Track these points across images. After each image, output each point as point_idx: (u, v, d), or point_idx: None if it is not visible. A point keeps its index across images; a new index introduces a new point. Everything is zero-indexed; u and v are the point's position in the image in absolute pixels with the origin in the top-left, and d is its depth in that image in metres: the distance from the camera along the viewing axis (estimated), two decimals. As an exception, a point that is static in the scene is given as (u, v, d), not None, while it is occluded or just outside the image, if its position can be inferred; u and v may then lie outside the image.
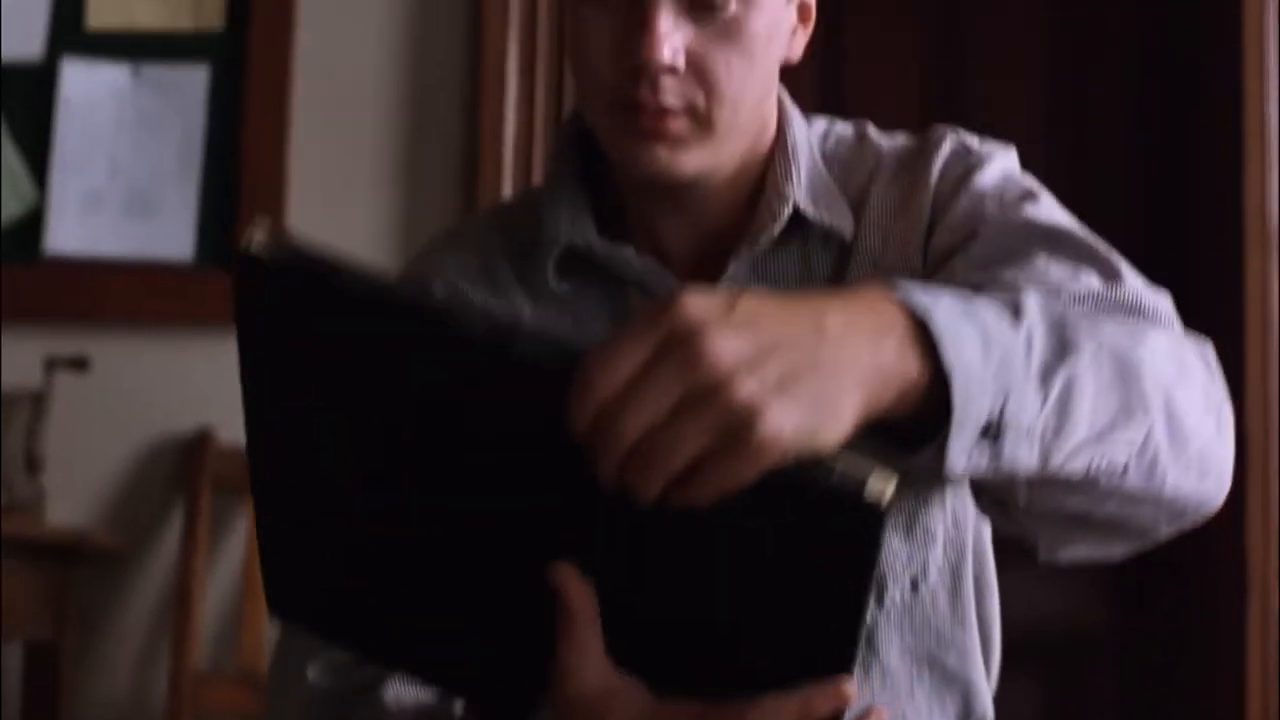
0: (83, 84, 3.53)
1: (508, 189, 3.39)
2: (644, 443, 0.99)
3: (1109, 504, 1.27)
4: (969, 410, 1.10)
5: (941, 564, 1.55)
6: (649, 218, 1.56)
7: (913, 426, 1.10)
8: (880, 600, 1.52)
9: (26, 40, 3.55)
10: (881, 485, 0.99)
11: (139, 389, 3.44)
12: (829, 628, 1.07)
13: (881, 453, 1.02)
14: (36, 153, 3.52)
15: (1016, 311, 1.17)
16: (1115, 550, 1.38)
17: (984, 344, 1.11)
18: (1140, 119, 3.68)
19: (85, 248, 3.49)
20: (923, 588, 1.54)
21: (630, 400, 0.99)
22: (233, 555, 3.40)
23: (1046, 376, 1.15)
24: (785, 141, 1.56)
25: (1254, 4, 3.45)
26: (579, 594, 1.11)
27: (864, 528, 1.00)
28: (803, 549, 1.03)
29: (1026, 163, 1.59)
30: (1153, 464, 1.24)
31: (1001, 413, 1.12)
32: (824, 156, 1.60)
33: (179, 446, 3.42)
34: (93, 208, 3.49)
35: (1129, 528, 1.33)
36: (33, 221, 3.51)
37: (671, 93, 1.43)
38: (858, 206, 1.57)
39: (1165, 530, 1.35)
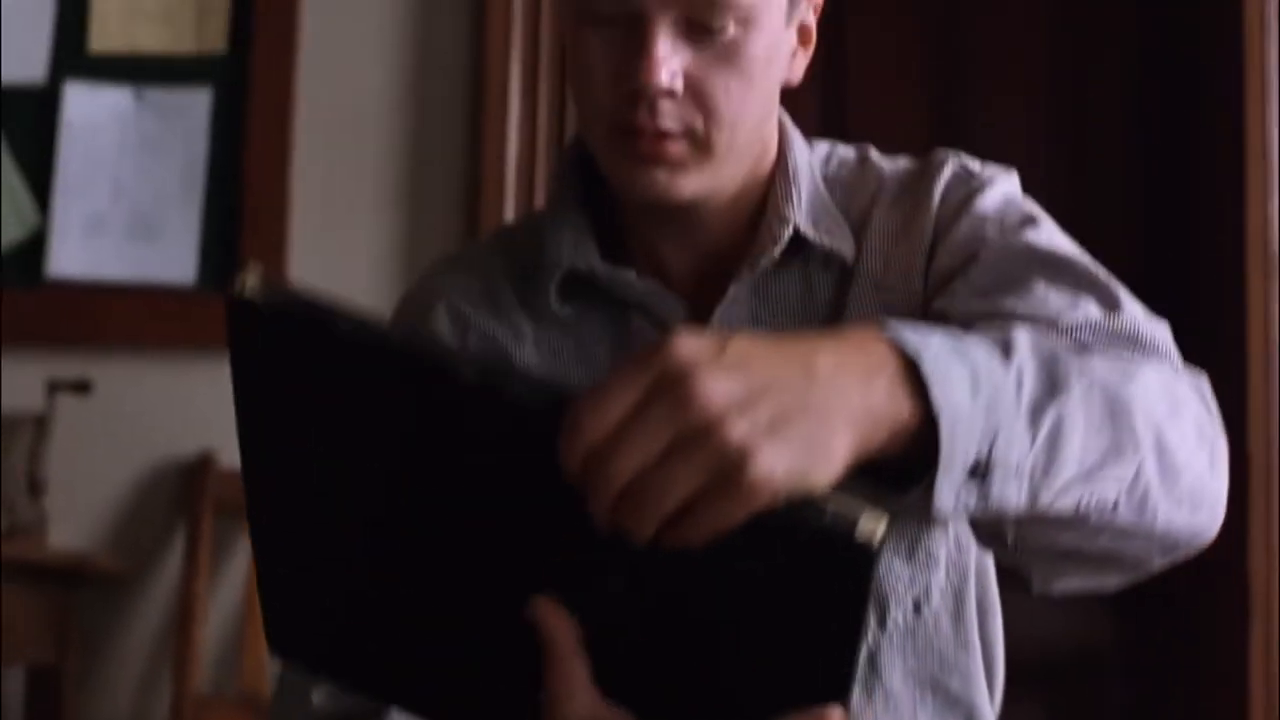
0: (85, 107, 3.53)
1: (510, 212, 3.40)
2: (636, 484, 1.00)
3: (1101, 539, 1.27)
4: (956, 451, 1.10)
5: (944, 586, 1.55)
6: (650, 240, 1.56)
7: (903, 465, 1.11)
8: (882, 622, 1.52)
9: (29, 63, 3.55)
10: (872, 526, 0.99)
11: (141, 412, 3.44)
12: (820, 665, 1.07)
13: (872, 492, 1.03)
14: (39, 176, 3.52)
15: (1007, 349, 1.17)
16: (1109, 582, 1.38)
17: (973, 383, 1.11)
18: (1140, 118, 3.68)
19: (88, 271, 3.50)
20: (925, 610, 1.53)
21: (622, 442, 0.99)
22: (234, 579, 3.39)
23: (1036, 415, 1.15)
24: (786, 164, 1.57)
25: (1254, 4, 3.45)
26: (558, 625, 1.11)
27: (855, 568, 1.01)
28: (794, 588, 1.03)
29: (1027, 168, 1.59)
30: (1144, 499, 1.25)
31: (990, 452, 1.12)
32: (826, 179, 1.60)
33: (181, 469, 3.42)
34: (95, 231, 3.50)
35: (1122, 561, 1.33)
36: (35, 244, 3.51)
37: (670, 116, 1.44)
38: (859, 229, 1.57)
39: (1159, 563, 1.35)
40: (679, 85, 1.43)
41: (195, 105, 3.52)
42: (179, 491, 3.42)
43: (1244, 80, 3.43)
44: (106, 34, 3.56)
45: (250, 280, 1.07)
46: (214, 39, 3.54)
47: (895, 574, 1.52)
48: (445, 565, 1.15)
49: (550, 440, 1.01)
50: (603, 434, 1.00)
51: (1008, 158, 1.67)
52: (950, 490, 1.12)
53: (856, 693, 1.51)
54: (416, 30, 3.52)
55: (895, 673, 1.53)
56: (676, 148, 1.45)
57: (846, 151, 1.65)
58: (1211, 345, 3.40)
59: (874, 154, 1.64)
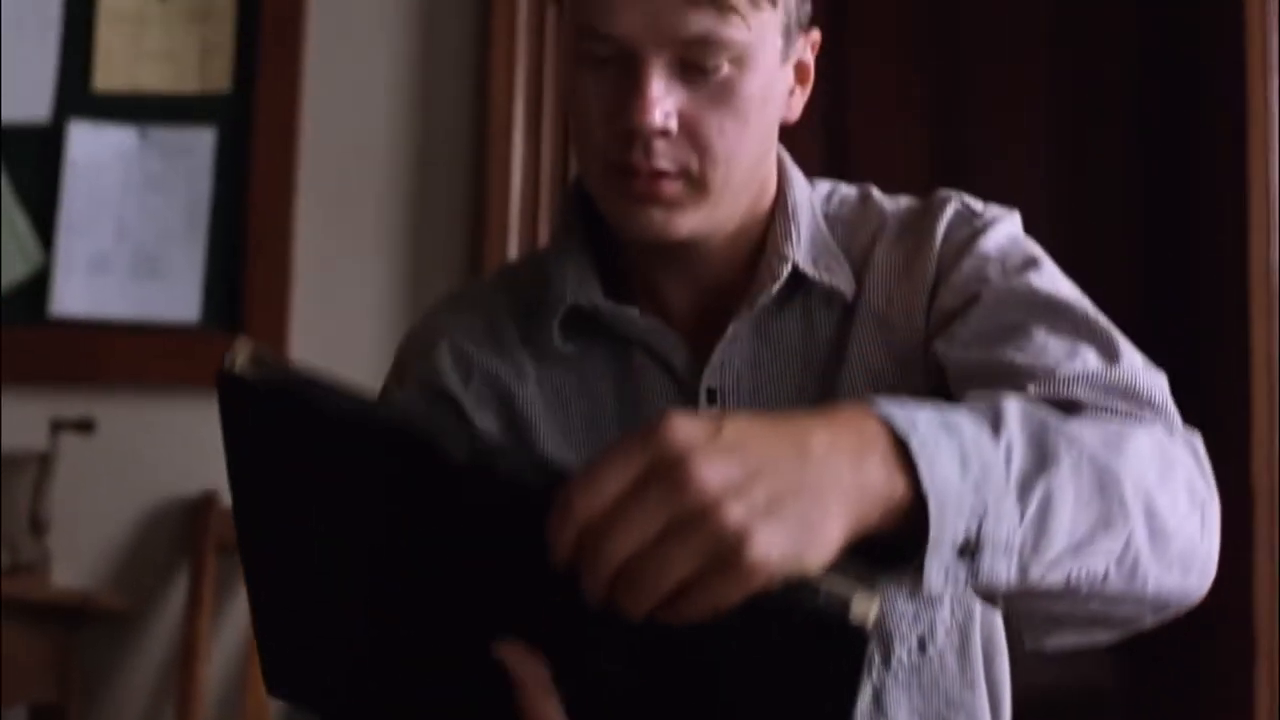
0: (90, 146, 3.54)
1: (514, 251, 3.40)
2: (632, 565, 1.00)
3: (1091, 605, 1.28)
4: (945, 531, 1.11)
5: (949, 625, 1.55)
6: (651, 278, 1.57)
7: (895, 541, 1.11)
8: (887, 660, 1.52)
9: (34, 102, 3.56)
10: (865, 608, 0.99)
11: (144, 451, 3.44)
12: None
13: (863, 571, 1.03)
14: (43, 214, 3.53)
15: (996, 424, 1.17)
16: (1101, 639, 1.38)
17: (962, 460, 1.12)
18: (1141, 117, 3.68)
19: (91, 309, 3.50)
20: (930, 648, 1.53)
21: (618, 523, 1.00)
22: (237, 617, 3.39)
23: (1025, 490, 1.16)
24: (786, 202, 1.57)
25: (1256, 7, 3.46)
26: (526, 664, 1.12)
27: (848, 650, 1.01)
28: (786, 667, 1.04)
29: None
30: (1134, 567, 1.25)
31: (979, 529, 1.13)
32: (827, 217, 1.61)
33: (184, 508, 3.42)
34: (99, 269, 3.50)
35: (1112, 622, 1.33)
36: (39, 283, 3.51)
37: (664, 156, 1.45)
38: (861, 266, 1.58)
39: (1150, 621, 1.35)
40: (673, 125, 1.44)
41: (199, 144, 3.53)
42: (182, 530, 3.42)
43: (1246, 82, 3.42)
44: (111, 73, 3.57)
45: (241, 357, 1.08)
46: (218, 78, 3.55)
47: (899, 611, 1.52)
48: (436, 628, 1.16)
49: (542, 519, 1.02)
50: (595, 513, 1.00)
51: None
52: (939, 570, 1.12)
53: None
54: (420, 69, 3.53)
55: (901, 711, 1.52)
56: (672, 187, 1.46)
57: (848, 190, 1.65)
58: (1215, 359, 3.41)
59: (876, 192, 1.65)
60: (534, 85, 3.49)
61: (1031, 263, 1.54)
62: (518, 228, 3.43)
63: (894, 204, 1.63)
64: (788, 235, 1.55)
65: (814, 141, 3.56)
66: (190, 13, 3.57)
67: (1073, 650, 1.37)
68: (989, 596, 1.31)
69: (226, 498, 3.31)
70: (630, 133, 1.44)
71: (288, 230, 3.48)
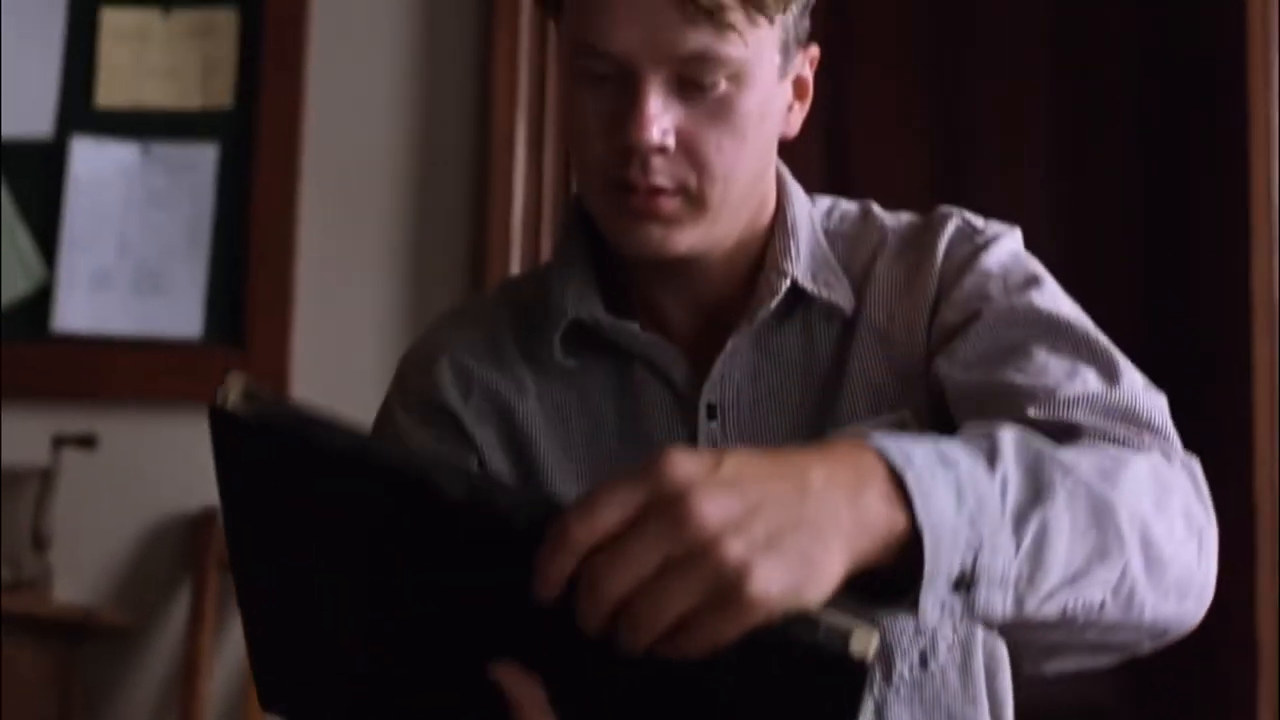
0: (92, 162, 3.54)
1: (516, 267, 3.40)
2: (632, 600, 1.00)
3: (1089, 633, 1.28)
4: (940, 566, 1.11)
5: (951, 640, 1.55)
6: (651, 293, 1.57)
7: (892, 574, 1.11)
8: (888, 676, 1.52)
9: (36, 118, 3.57)
10: (865, 642, 1.00)
11: (146, 467, 3.44)
12: None
13: (859, 605, 1.04)
14: (46, 230, 3.53)
15: (992, 456, 1.17)
16: (1100, 663, 1.38)
17: (958, 494, 1.12)
18: (1141, 117, 3.68)
19: (93, 325, 3.50)
20: (932, 664, 1.53)
21: (616, 557, 1.00)
22: (239, 633, 3.36)
23: (1020, 522, 1.16)
24: (785, 217, 1.58)
25: (1257, 7, 3.46)
26: (522, 685, 1.12)
27: (848, 684, 1.01)
28: (785, 701, 1.04)
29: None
30: (1130, 596, 1.25)
31: (974, 563, 1.13)
32: (827, 233, 1.61)
33: (186, 524, 3.42)
34: (101, 285, 3.50)
35: (1111, 648, 1.33)
36: (41, 299, 3.51)
37: (662, 173, 1.45)
38: (862, 282, 1.58)
39: (1148, 648, 1.35)
40: (670, 142, 1.44)
41: (202, 160, 3.53)
42: (184, 546, 3.42)
43: (1247, 83, 3.42)
44: (113, 89, 3.57)
45: (233, 392, 1.08)
46: (220, 95, 3.55)
47: (900, 627, 1.52)
48: (433, 659, 1.16)
49: (538, 553, 1.02)
50: (591, 543, 1.01)
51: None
52: (935, 603, 1.12)
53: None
54: (423, 86, 3.53)
55: (902, 727, 1.52)
56: (670, 203, 1.46)
57: (849, 206, 1.66)
58: (1217, 376, 3.40)
59: (876, 208, 1.65)
60: (536, 101, 3.49)
61: (1033, 280, 1.55)
62: (520, 245, 3.43)
63: (895, 220, 1.63)
64: (786, 251, 1.56)
65: (815, 157, 3.56)
66: (193, 29, 3.58)
67: (1072, 673, 1.37)
68: (986, 626, 1.31)
69: (228, 513, 3.32)
70: (628, 149, 1.44)
71: (290, 246, 3.48)
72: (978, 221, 1.61)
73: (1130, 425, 1.37)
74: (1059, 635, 1.27)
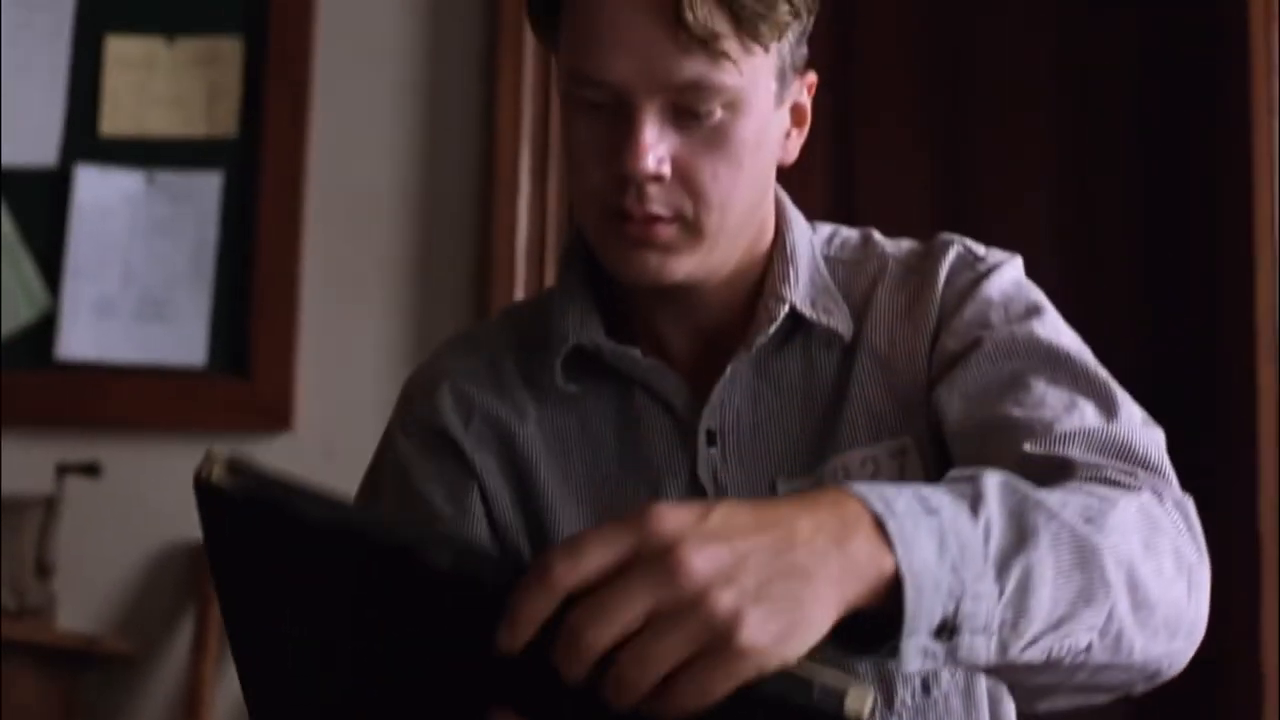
0: (97, 190, 3.55)
1: (520, 293, 3.40)
2: (619, 655, 1.00)
3: (1078, 675, 1.28)
4: (921, 613, 1.10)
5: (954, 667, 1.54)
6: (651, 320, 1.58)
7: (876, 619, 1.11)
8: (890, 703, 1.52)
9: (41, 146, 3.57)
10: (859, 703, 0.99)
11: (150, 494, 3.44)
12: None
13: (842, 653, 1.05)
14: (49, 258, 3.54)
15: (976, 502, 1.17)
16: (1094, 702, 1.38)
17: (940, 541, 1.12)
18: (1142, 117, 3.67)
19: (97, 353, 3.50)
20: (935, 690, 1.53)
21: (602, 608, 1.00)
22: (243, 661, 3.38)
23: (1004, 568, 1.15)
24: (784, 243, 1.58)
25: (1258, 8, 3.46)
26: None
27: None
28: None
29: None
30: (1118, 638, 1.25)
31: (956, 610, 1.12)
32: (828, 259, 1.61)
33: (190, 552, 3.41)
34: (105, 313, 3.51)
35: (1101, 688, 1.33)
36: (45, 326, 3.52)
37: (658, 201, 1.45)
38: (862, 308, 1.58)
39: (1141, 689, 1.35)
40: (666, 170, 1.44)
41: (206, 189, 3.54)
42: (187, 574, 3.42)
43: (1248, 85, 3.43)
44: (118, 117, 3.58)
45: (217, 466, 1.09)
46: (225, 123, 3.56)
47: (902, 653, 1.51)
48: (419, 710, 1.16)
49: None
50: (571, 586, 1.00)
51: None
52: (916, 650, 1.12)
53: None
54: (428, 112, 3.54)
55: (905, 755, 1.52)
56: (666, 231, 1.47)
57: (850, 233, 1.66)
58: (1222, 401, 3.40)
59: (877, 235, 1.66)
60: (540, 130, 3.49)
61: (1034, 310, 1.55)
62: (524, 272, 3.43)
63: (895, 246, 1.64)
64: (785, 277, 1.56)
65: (819, 176, 3.56)
66: (197, 58, 3.58)
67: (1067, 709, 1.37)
68: (971, 669, 1.31)
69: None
70: (624, 178, 1.44)
71: (294, 274, 3.48)
72: (979, 249, 1.62)
73: (1125, 461, 1.38)
74: (1048, 677, 1.27)
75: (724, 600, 1.00)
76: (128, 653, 3.37)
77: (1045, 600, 1.17)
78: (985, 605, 1.13)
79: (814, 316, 1.56)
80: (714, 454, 1.56)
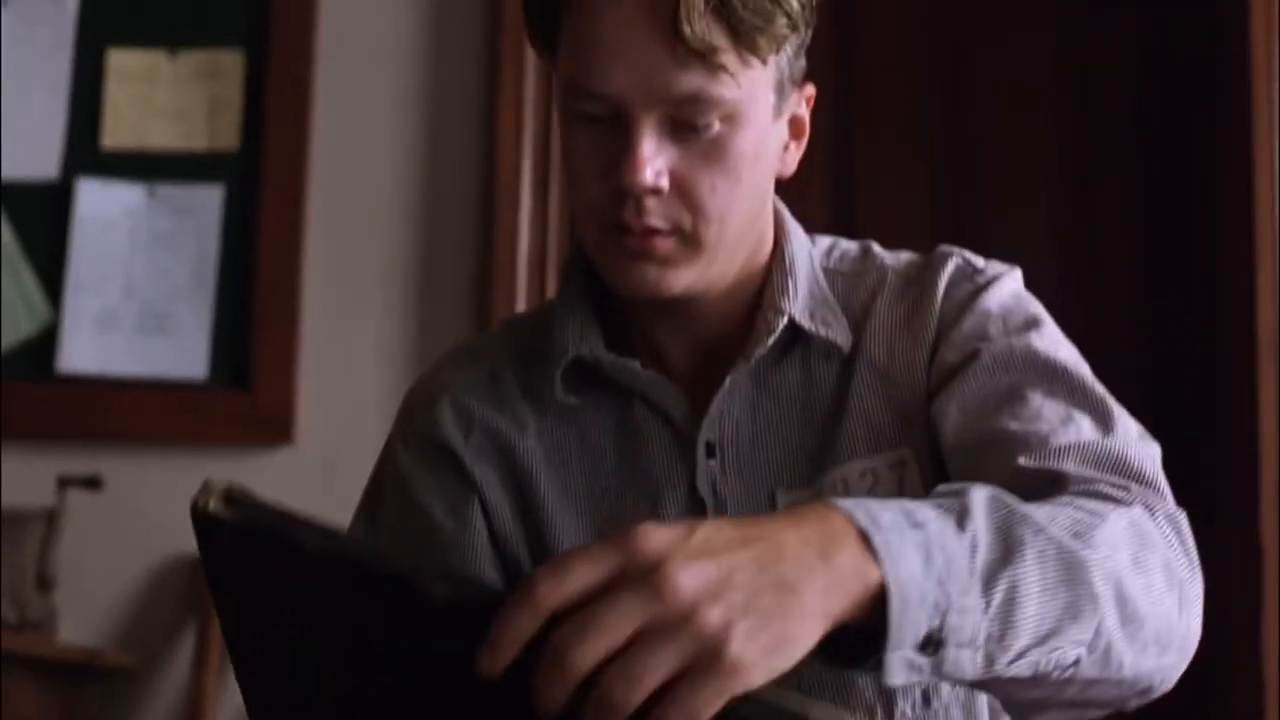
0: (98, 203, 3.55)
1: (522, 305, 3.40)
2: (606, 672, 0.99)
3: (1068, 691, 1.27)
4: (906, 628, 1.10)
5: (939, 681, 1.54)
6: (650, 332, 1.58)
7: (862, 632, 1.11)
8: (890, 714, 1.52)
9: (42, 160, 3.58)
10: None
11: (151, 507, 3.44)
12: None
13: (827, 667, 1.05)
14: (51, 271, 3.54)
15: (962, 516, 1.17)
16: (1088, 716, 1.38)
17: (926, 554, 1.11)
18: (1142, 117, 3.67)
19: (98, 367, 3.50)
20: (935, 702, 1.53)
21: (587, 627, 0.99)
22: (244, 674, 3.38)
23: (989, 582, 1.15)
24: (783, 255, 1.58)
25: (1259, 8, 3.46)
26: None
27: None
28: None
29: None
30: (1106, 653, 1.24)
31: (942, 624, 1.12)
32: (827, 271, 1.62)
33: (191, 565, 3.41)
34: (106, 326, 3.51)
35: (1093, 703, 1.33)
36: (46, 340, 3.52)
37: (656, 214, 1.45)
38: (862, 320, 1.59)
39: (1134, 704, 1.35)
40: (664, 183, 1.44)
41: (207, 202, 3.54)
42: (189, 587, 3.42)
43: (1249, 85, 3.43)
44: (119, 131, 3.59)
45: (214, 497, 1.09)
46: (226, 136, 3.56)
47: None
48: None
49: (525, 656, 1.01)
50: (556, 606, 1.00)
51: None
52: (901, 664, 1.11)
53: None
54: (428, 125, 3.54)
55: (905, 768, 1.52)
56: (665, 244, 1.47)
57: (849, 245, 1.66)
58: (1224, 411, 3.39)
59: (876, 247, 1.66)
60: (541, 142, 3.50)
61: (1033, 323, 1.55)
62: (525, 284, 3.43)
63: (895, 258, 1.64)
64: (784, 289, 1.56)
65: (820, 187, 3.56)
66: (199, 70, 3.59)
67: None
68: (958, 683, 1.30)
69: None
70: (622, 191, 1.44)
71: (295, 287, 3.48)
72: (978, 261, 1.62)
73: (1119, 475, 1.38)
74: (1037, 692, 1.26)
75: (712, 615, 1.00)
76: (129, 666, 3.37)
77: (1031, 614, 1.17)
78: (971, 619, 1.13)
79: (813, 328, 1.56)
80: (713, 466, 1.56)
